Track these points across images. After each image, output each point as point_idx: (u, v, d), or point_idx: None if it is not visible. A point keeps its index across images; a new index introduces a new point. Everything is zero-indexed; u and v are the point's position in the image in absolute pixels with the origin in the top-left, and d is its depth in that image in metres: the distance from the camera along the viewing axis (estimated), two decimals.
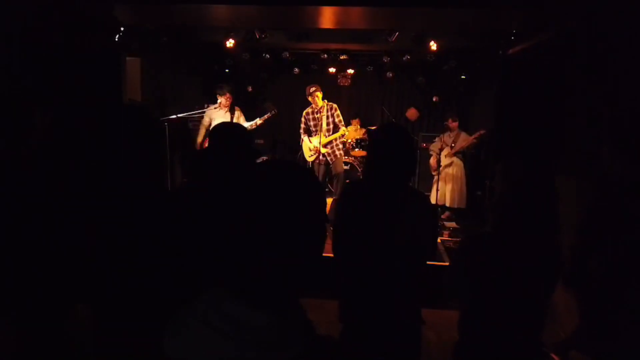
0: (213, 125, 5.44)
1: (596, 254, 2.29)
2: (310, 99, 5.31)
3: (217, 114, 5.50)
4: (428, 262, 1.83)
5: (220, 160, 1.72)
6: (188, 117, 6.08)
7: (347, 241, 1.81)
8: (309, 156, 5.55)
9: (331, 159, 5.44)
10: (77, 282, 1.46)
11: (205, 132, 5.57)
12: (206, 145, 5.64)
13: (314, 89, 5.28)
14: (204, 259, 1.22)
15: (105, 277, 1.35)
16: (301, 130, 5.57)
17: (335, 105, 5.36)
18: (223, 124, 2.04)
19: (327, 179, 5.77)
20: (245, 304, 0.69)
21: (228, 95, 5.49)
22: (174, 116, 5.57)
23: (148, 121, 1.38)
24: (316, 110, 5.33)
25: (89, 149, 1.38)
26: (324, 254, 0.81)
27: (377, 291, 1.75)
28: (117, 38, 4.46)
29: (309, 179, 0.78)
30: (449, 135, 5.94)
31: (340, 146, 5.52)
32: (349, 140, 6.75)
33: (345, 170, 6.74)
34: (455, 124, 5.87)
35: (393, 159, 1.72)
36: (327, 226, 0.83)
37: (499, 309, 1.61)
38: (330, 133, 5.34)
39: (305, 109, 5.54)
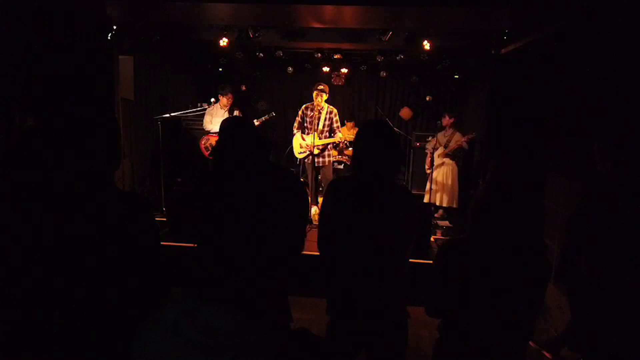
0: (214, 124, 5.50)
1: (585, 251, 2.32)
2: (314, 94, 5.16)
3: (217, 114, 5.55)
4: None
5: (236, 155, 1.69)
6: (182, 117, 6.08)
7: (331, 235, 1.82)
8: (299, 153, 5.43)
9: (318, 163, 5.33)
10: (51, 287, 1.42)
11: (205, 132, 5.69)
12: (210, 143, 5.67)
13: (322, 87, 5.14)
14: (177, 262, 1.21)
15: (75, 281, 1.32)
16: (295, 124, 5.42)
17: (335, 111, 5.29)
18: (231, 119, 2.02)
19: (316, 181, 5.64)
20: (219, 308, 0.67)
21: (230, 95, 5.55)
22: (167, 115, 5.57)
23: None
24: (316, 109, 5.21)
25: (68, 151, 1.37)
26: (311, 254, 0.81)
27: (360, 284, 1.76)
28: (110, 36, 4.43)
29: (294, 183, 0.78)
30: (444, 134, 5.95)
31: (332, 152, 5.41)
32: (343, 140, 6.71)
33: (339, 169, 6.72)
34: (446, 120, 5.87)
35: (375, 154, 1.73)
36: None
37: (481, 316, 1.53)
38: (325, 136, 5.27)
39: (304, 104, 5.38)
